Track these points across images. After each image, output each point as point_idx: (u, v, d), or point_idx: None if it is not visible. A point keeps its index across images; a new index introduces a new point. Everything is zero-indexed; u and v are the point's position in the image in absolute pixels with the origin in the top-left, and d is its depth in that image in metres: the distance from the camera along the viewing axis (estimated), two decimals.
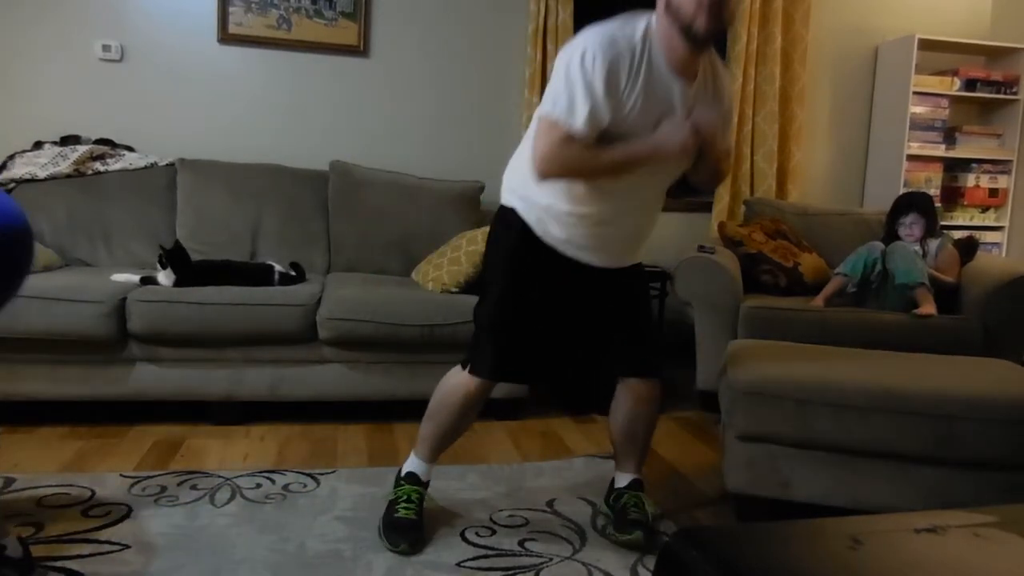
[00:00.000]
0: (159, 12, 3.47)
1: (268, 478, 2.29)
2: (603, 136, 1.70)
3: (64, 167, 3.23)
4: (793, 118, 3.96)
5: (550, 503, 2.22)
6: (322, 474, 2.33)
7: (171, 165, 3.37)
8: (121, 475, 2.26)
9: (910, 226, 3.19)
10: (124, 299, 2.63)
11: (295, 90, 3.62)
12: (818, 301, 3.02)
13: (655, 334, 2.07)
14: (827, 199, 4.18)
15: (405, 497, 1.97)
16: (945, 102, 4.04)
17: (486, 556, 1.89)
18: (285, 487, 2.23)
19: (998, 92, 4.08)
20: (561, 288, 1.91)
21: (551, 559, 1.89)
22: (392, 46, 3.69)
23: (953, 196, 4.14)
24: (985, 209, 4.17)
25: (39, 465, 2.33)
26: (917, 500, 1.95)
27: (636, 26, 1.70)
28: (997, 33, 4.23)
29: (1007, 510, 1.07)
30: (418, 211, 3.42)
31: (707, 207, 3.95)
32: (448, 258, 3.02)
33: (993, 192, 4.13)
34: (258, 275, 2.88)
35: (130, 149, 3.43)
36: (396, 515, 1.94)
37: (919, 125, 4.00)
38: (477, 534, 2.00)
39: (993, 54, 4.21)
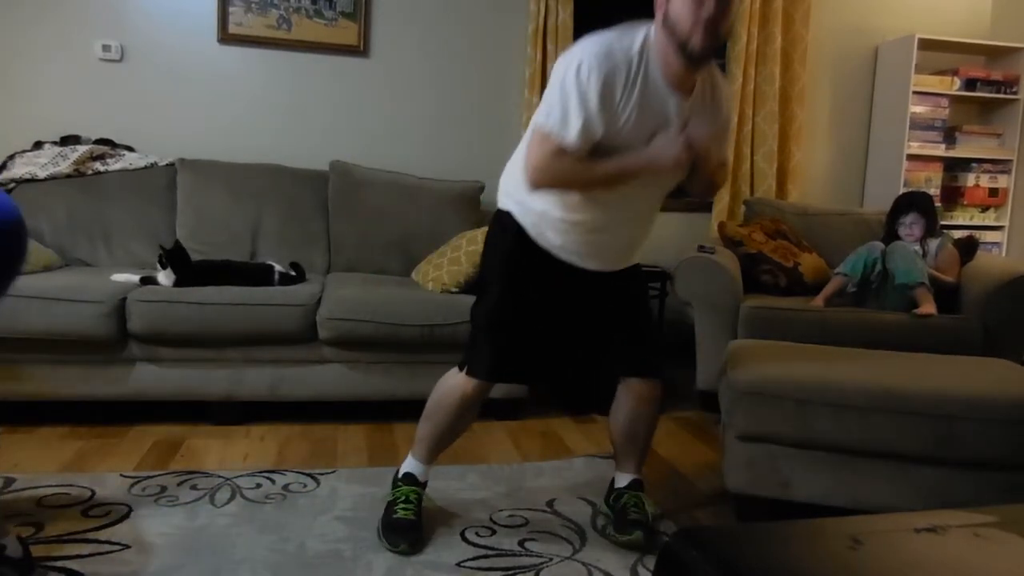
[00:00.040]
0: (159, 12, 3.47)
1: (268, 478, 2.29)
2: (597, 148, 1.69)
3: (64, 167, 3.23)
4: (793, 118, 3.96)
5: (550, 503, 2.22)
6: (322, 474, 2.33)
7: (171, 165, 3.37)
8: (121, 475, 2.26)
9: (910, 226, 3.19)
10: (124, 299, 2.63)
11: (295, 90, 3.62)
12: (818, 301, 3.02)
13: (655, 334, 2.07)
14: (827, 199, 4.18)
15: (403, 498, 1.97)
16: (945, 102, 4.04)
17: (486, 556, 1.89)
18: (285, 487, 2.23)
19: (998, 92, 4.08)
20: (558, 289, 1.91)
21: (551, 559, 1.89)
22: (392, 46, 3.69)
23: (953, 196, 4.14)
24: (985, 209, 4.17)
25: (39, 465, 2.33)
26: (917, 500, 1.95)
27: (635, 37, 1.69)
28: (997, 33, 4.23)
29: (1007, 510, 1.07)
30: (418, 211, 3.42)
31: (707, 207, 3.95)
32: (448, 258, 3.02)
33: (993, 192, 4.13)
34: (258, 275, 2.88)
35: (130, 149, 3.43)
36: (395, 516, 1.94)
37: (919, 125, 4.00)
38: (477, 534, 2.00)
39: (993, 54, 4.21)
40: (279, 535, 1.94)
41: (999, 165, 4.13)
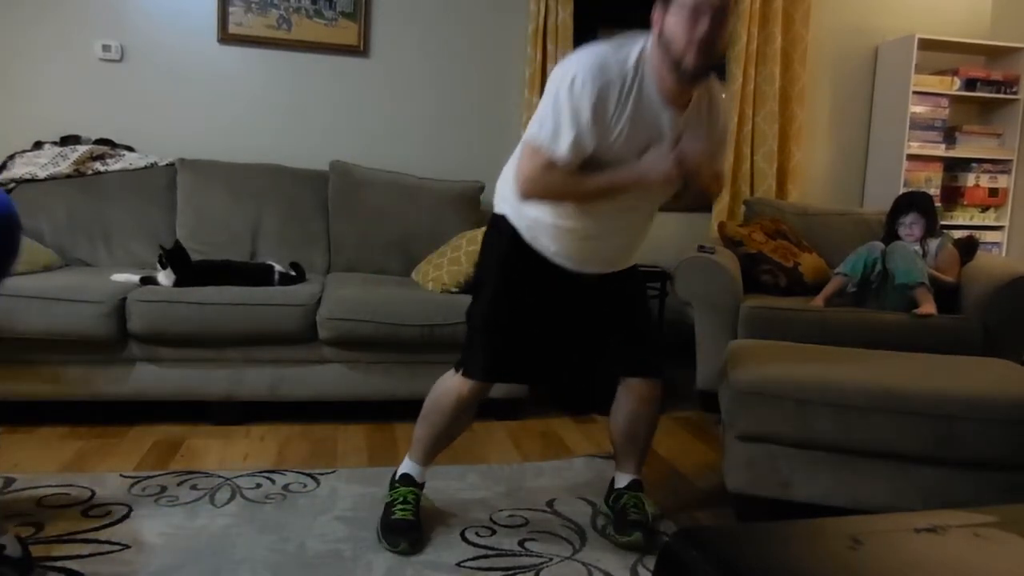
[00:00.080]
0: (159, 12, 3.47)
1: (268, 478, 2.29)
2: (588, 160, 1.70)
3: (64, 167, 3.23)
4: (793, 118, 3.96)
5: (550, 503, 2.22)
6: (322, 474, 2.33)
7: (171, 165, 3.37)
8: (121, 475, 2.26)
9: (910, 226, 3.19)
10: (124, 299, 2.63)
11: (295, 90, 3.62)
12: (818, 301, 3.02)
13: (653, 334, 2.07)
14: (827, 199, 4.18)
15: (401, 499, 1.97)
16: (945, 102, 4.04)
17: (486, 556, 1.89)
18: (285, 487, 2.23)
19: (998, 92, 4.08)
20: (553, 291, 1.91)
21: (551, 559, 1.89)
22: (392, 46, 3.69)
23: (953, 196, 4.14)
24: (985, 209, 4.17)
25: (39, 465, 2.33)
26: (917, 500, 1.95)
27: (631, 50, 1.68)
28: (997, 33, 4.23)
29: (1007, 510, 1.07)
30: (418, 211, 3.42)
31: (707, 207, 3.95)
32: (448, 258, 3.02)
33: (993, 192, 4.13)
34: (258, 275, 2.88)
35: (130, 149, 3.43)
36: (393, 516, 1.94)
37: (919, 125, 4.00)
38: (477, 534, 2.00)
39: (993, 54, 4.21)
40: (279, 535, 1.94)
41: (999, 165, 4.13)
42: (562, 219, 1.81)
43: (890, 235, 3.25)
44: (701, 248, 3.08)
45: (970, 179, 4.10)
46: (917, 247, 3.13)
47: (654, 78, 1.68)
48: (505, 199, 1.90)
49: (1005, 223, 4.17)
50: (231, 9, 3.50)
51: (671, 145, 1.69)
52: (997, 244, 4.17)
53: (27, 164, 3.24)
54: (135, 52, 3.48)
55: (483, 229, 2.04)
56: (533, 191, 1.75)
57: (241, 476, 2.29)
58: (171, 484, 2.21)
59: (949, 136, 4.08)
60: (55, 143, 3.35)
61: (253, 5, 3.51)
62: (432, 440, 1.99)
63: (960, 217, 4.14)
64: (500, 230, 1.91)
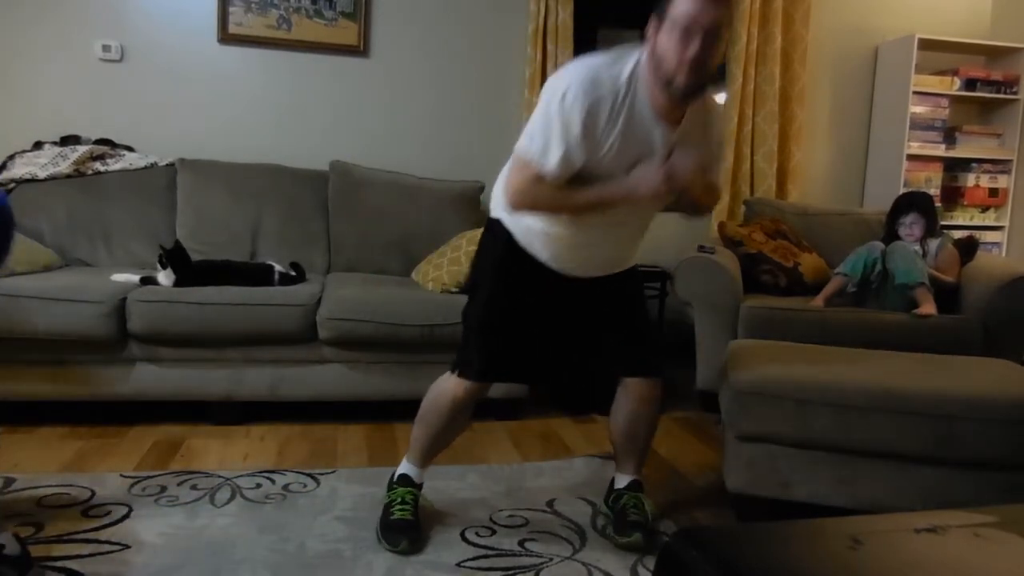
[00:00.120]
0: (159, 12, 3.47)
1: (268, 478, 2.29)
2: (578, 174, 1.70)
3: (64, 167, 3.23)
4: (793, 118, 3.96)
5: (550, 503, 2.22)
6: (322, 474, 2.33)
7: (171, 165, 3.37)
8: (121, 475, 2.26)
9: (910, 226, 3.19)
10: (124, 299, 2.63)
11: (295, 90, 3.62)
12: (818, 301, 3.02)
13: (652, 333, 2.06)
14: (827, 199, 4.18)
15: (399, 499, 1.97)
16: (945, 102, 4.04)
17: (486, 556, 1.89)
18: (285, 487, 2.23)
19: (998, 92, 4.08)
20: (549, 292, 1.91)
21: (551, 559, 1.89)
22: (392, 46, 3.69)
23: (953, 196, 4.14)
24: (985, 209, 4.17)
25: (39, 465, 2.33)
26: (917, 500, 1.95)
27: (624, 65, 1.67)
28: (997, 33, 4.23)
29: (1007, 510, 1.07)
30: (418, 211, 3.42)
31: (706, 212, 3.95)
32: (448, 258, 3.02)
33: (993, 192, 4.13)
34: (258, 275, 2.88)
35: (130, 149, 3.43)
36: (392, 517, 1.94)
37: (919, 125, 4.00)
38: (477, 534, 2.00)
39: (993, 54, 4.21)
40: (279, 535, 1.94)
41: (999, 165, 4.12)
42: (553, 227, 1.82)
43: (890, 235, 3.24)
44: (701, 248, 3.08)
45: (970, 179, 4.10)
46: (917, 247, 3.13)
47: (646, 94, 1.66)
48: (500, 204, 1.91)
49: (1005, 223, 4.17)
50: (231, 9, 3.50)
51: (662, 160, 1.68)
52: (997, 244, 4.17)
53: (27, 164, 3.24)
54: (135, 52, 3.48)
55: (483, 229, 2.05)
56: (522, 203, 1.77)
57: (241, 476, 2.29)
58: (171, 484, 2.21)
59: (949, 136, 4.08)
60: (55, 143, 3.36)
61: (253, 5, 3.51)
62: (429, 442, 1.99)
63: (960, 217, 4.14)
64: (495, 234, 1.92)
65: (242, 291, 2.72)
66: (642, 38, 1.68)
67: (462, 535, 1.99)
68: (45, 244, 3.10)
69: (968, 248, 3.18)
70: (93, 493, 2.12)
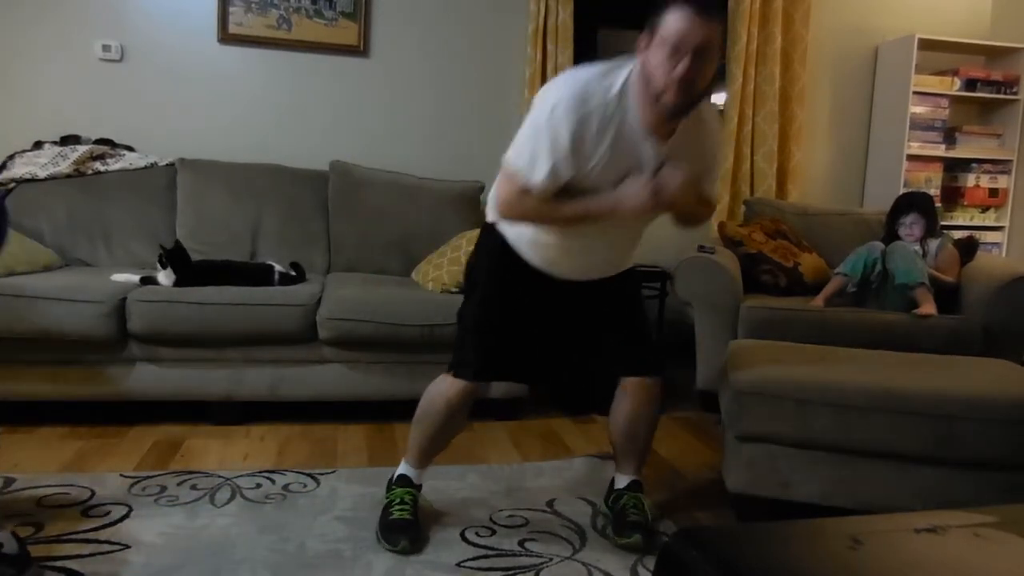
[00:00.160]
0: (159, 12, 3.47)
1: (268, 478, 2.29)
2: (566, 187, 1.70)
3: (64, 167, 3.23)
4: (793, 118, 3.96)
5: (550, 503, 2.22)
6: (322, 474, 2.33)
7: (171, 165, 3.37)
8: (121, 475, 2.26)
9: (910, 226, 3.19)
10: (124, 299, 2.63)
11: (295, 90, 3.62)
12: (818, 301, 3.02)
13: (651, 332, 2.06)
14: (827, 199, 4.18)
15: (398, 500, 1.97)
16: (945, 102, 4.04)
17: (486, 556, 1.89)
18: (285, 487, 2.23)
19: (998, 92, 4.08)
20: (545, 293, 1.92)
21: (551, 559, 1.89)
22: (392, 46, 3.69)
23: (953, 196, 4.14)
24: (985, 209, 4.17)
25: (39, 465, 2.33)
26: (917, 500, 1.95)
27: (616, 77, 1.66)
28: (997, 33, 4.23)
29: (1007, 510, 1.07)
30: (418, 211, 3.42)
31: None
32: (448, 258, 3.02)
33: (993, 192, 4.13)
34: (258, 275, 2.88)
35: (130, 149, 3.43)
36: (391, 517, 1.94)
37: (919, 125, 4.00)
38: (477, 534, 2.00)
39: (993, 54, 4.21)
40: (279, 535, 1.94)
41: (999, 165, 4.12)
42: (543, 235, 1.84)
43: (890, 235, 3.24)
44: (701, 248, 3.08)
45: (970, 179, 4.09)
46: (917, 247, 3.13)
47: (636, 108, 1.65)
48: (493, 209, 1.92)
49: (1005, 223, 4.17)
50: (231, 9, 3.50)
51: (651, 175, 1.67)
52: (997, 244, 4.17)
53: (27, 164, 3.24)
54: (135, 52, 3.48)
55: (479, 231, 2.05)
56: (509, 213, 1.78)
57: (241, 476, 2.29)
58: (171, 484, 2.21)
59: (949, 136, 4.08)
60: (55, 143, 3.35)
61: (253, 5, 3.51)
62: (426, 443, 1.99)
63: (960, 217, 4.14)
64: (490, 237, 1.94)
65: (242, 291, 2.72)
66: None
67: (462, 535, 1.99)
68: (45, 244, 3.10)
69: (968, 248, 3.18)
70: (93, 493, 2.12)
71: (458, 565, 1.84)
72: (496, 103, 3.79)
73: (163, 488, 2.18)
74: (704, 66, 1.57)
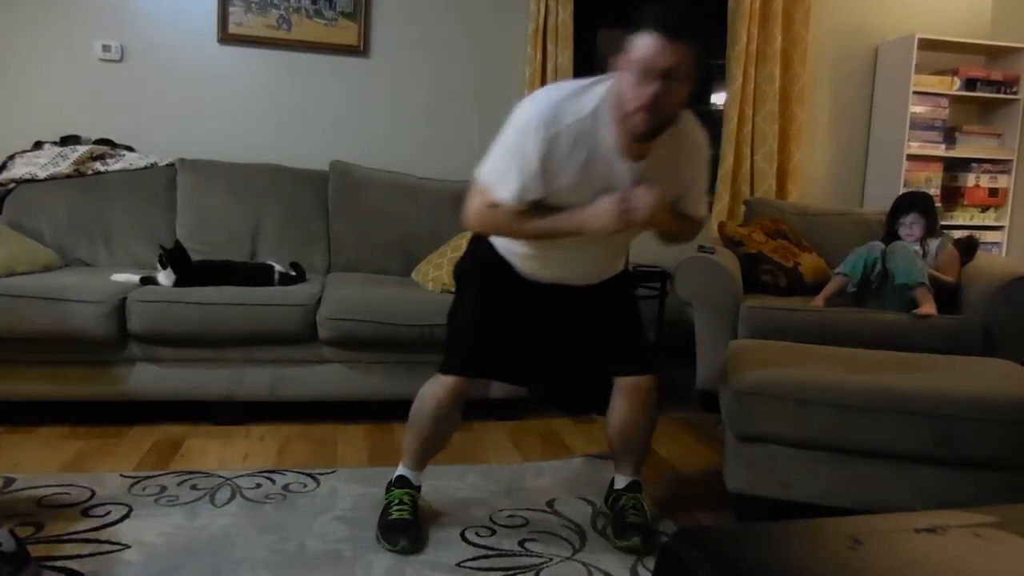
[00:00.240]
0: (159, 12, 3.47)
1: (268, 478, 2.29)
2: (538, 202, 1.70)
3: (64, 167, 3.23)
4: (793, 118, 3.96)
5: (550, 503, 2.22)
6: (322, 474, 2.33)
7: (171, 165, 3.37)
8: (121, 475, 2.26)
9: (910, 226, 3.19)
10: (124, 299, 2.63)
11: (295, 90, 3.62)
12: (818, 301, 3.02)
13: (645, 333, 2.05)
14: (827, 199, 4.17)
15: (397, 500, 1.98)
16: (945, 102, 4.04)
17: (486, 556, 1.89)
18: (285, 487, 2.23)
19: (998, 92, 4.08)
20: (535, 296, 1.93)
21: (551, 559, 1.89)
22: (392, 46, 3.69)
23: (953, 196, 4.13)
24: (985, 209, 4.17)
25: (39, 465, 2.33)
26: (917, 500, 1.95)
27: (590, 96, 1.65)
28: (997, 33, 4.23)
29: (1007, 510, 1.07)
30: (418, 211, 3.42)
31: (707, 207, 3.95)
32: (448, 258, 3.02)
33: (993, 192, 4.13)
34: (258, 275, 2.88)
35: (130, 149, 3.43)
36: (390, 517, 1.94)
37: (919, 125, 4.00)
38: (477, 534, 2.00)
39: (993, 54, 4.21)
40: (279, 535, 1.94)
41: (999, 165, 4.12)
42: (520, 247, 1.86)
43: (890, 235, 3.24)
44: (701, 248, 3.08)
45: (970, 179, 4.09)
46: (917, 247, 3.13)
47: (609, 128, 1.64)
48: None
49: (1005, 223, 4.17)
50: (231, 9, 3.50)
51: (619, 195, 1.64)
52: (997, 244, 4.17)
53: (27, 164, 3.24)
54: (135, 52, 3.48)
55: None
56: (479, 226, 1.81)
57: (241, 476, 2.29)
58: (171, 484, 2.21)
59: (949, 136, 4.08)
60: (55, 143, 3.35)
61: (253, 5, 3.51)
62: (420, 444, 1.99)
63: (960, 217, 4.14)
64: (479, 242, 1.97)
65: (242, 291, 2.72)
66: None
67: (462, 535, 1.99)
68: (45, 244, 3.10)
69: (968, 248, 3.18)
70: (93, 493, 2.12)
71: (458, 565, 1.84)
72: (496, 103, 3.77)
73: (163, 488, 2.18)
74: (674, 89, 1.55)
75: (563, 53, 3.64)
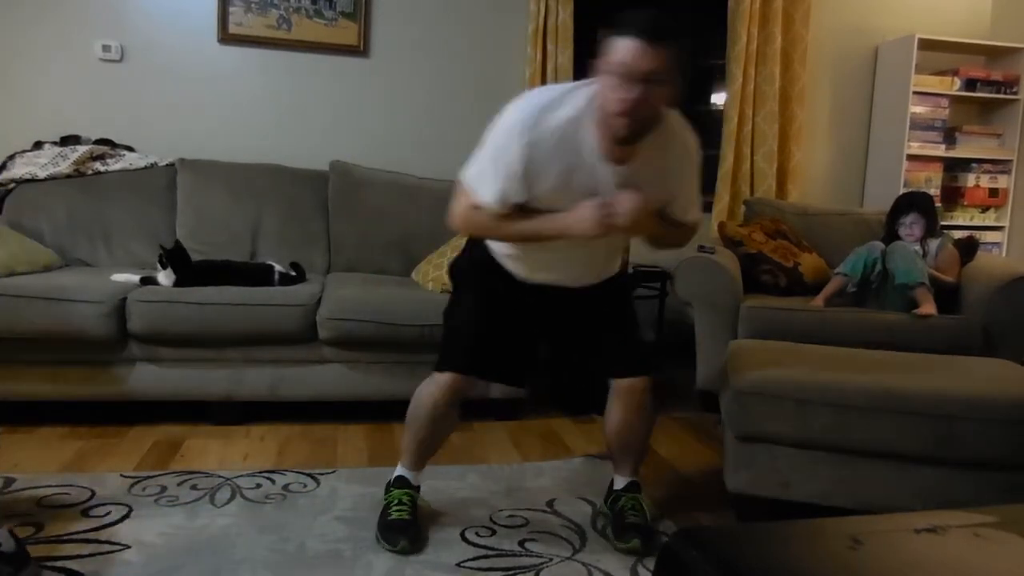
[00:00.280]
0: (159, 12, 3.47)
1: (268, 478, 2.29)
2: (522, 205, 1.70)
3: (64, 167, 3.23)
4: (793, 118, 3.96)
5: (550, 503, 2.22)
6: (322, 474, 2.33)
7: (171, 165, 3.37)
8: (121, 475, 2.26)
9: (910, 226, 3.19)
10: (124, 299, 2.63)
11: (295, 90, 3.62)
12: (818, 301, 3.02)
13: (640, 334, 2.05)
14: (827, 199, 4.17)
15: (396, 501, 1.98)
16: (945, 102, 4.04)
17: (486, 556, 1.89)
18: (285, 487, 2.23)
19: (998, 92, 4.08)
20: (530, 297, 1.93)
21: (551, 559, 1.89)
22: (392, 46, 3.69)
23: (953, 196, 4.13)
24: (985, 209, 4.17)
25: (39, 465, 2.33)
26: (917, 500, 1.95)
27: (574, 99, 1.64)
28: (997, 33, 4.23)
29: (1007, 510, 1.07)
30: (418, 211, 3.42)
31: (707, 207, 3.95)
32: (448, 258, 3.02)
33: (993, 192, 4.13)
34: (258, 275, 2.88)
35: (130, 149, 3.43)
36: (390, 517, 1.94)
37: (919, 125, 4.00)
38: (477, 534, 2.00)
39: (993, 54, 4.21)
40: (279, 535, 1.94)
41: (999, 165, 4.12)
42: (508, 249, 1.87)
43: (890, 235, 3.24)
44: (701, 248, 3.08)
45: (970, 179, 4.09)
46: (917, 247, 3.13)
47: (592, 132, 1.63)
48: None
49: (1005, 223, 4.17)
50: (231, 9, 3.50)
51: (602, 199, 1.64)
52: (997, 244, 4.17)
53: (27, 164, 3.24)
54: (135, 52, 3.48)
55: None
56: (463, 227, 1.82)
57: (241, 476, 2.29)
58: (171, 484, 2.21)
59: (949, 136, 4.08)
60: (55, 143, 3.35)
61: (253, 5, 3.51)
62: (418, 445, 1.99)
63: (960, 217, 4.14)
64: (475, 243, 1.97)
65: (242, 291, 2.72)
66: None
67: (462, 535, 1.99)
68: (45, 244, 3.10)
69: (968, 248, 3.18)
70: (93, 493, 2.12)
71: (458, 565, 1.84)
72: (496, 103, 3.72)
73: (163, 488, 2.18)
74: (655, 92, 1.54)
75: (563, 53, 3.64)
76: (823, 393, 1.97)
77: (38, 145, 3.35)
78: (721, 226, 3.48)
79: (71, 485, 2.17)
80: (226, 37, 3.52)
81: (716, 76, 4.18)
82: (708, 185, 3.97)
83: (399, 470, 2.04)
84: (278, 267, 2.94)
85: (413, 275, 3.21)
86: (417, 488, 2.03)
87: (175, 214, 3.29)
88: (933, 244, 3.17)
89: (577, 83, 1.70)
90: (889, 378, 2.01)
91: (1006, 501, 1.87)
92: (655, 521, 2.06)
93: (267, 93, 3.60)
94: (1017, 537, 0.99)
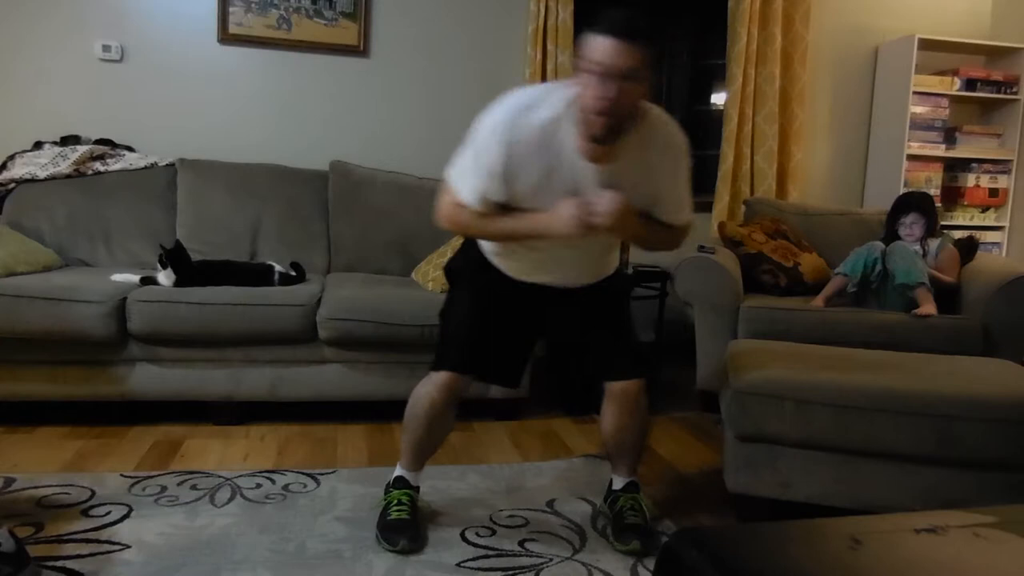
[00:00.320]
0: (159, 12, 3.47)
1: (268, 478, 2.29)
2: (506, 204, 1.71)
3: (64, 167, 3.23)
4: (793, 118, 3.96)
5: (550, 503, 2.22)
6: (322, 474, 2.33)
7: (171, 165, 3.37)
8: (121, 475, 2.26)
9: (910, 226, 3.19)
10: (124, 299, 2.63)
11: (295, 90, 3.62)
12: (818, 301, 3.02)
13: (633, 336, 2.03)
14: (827, 199, 4.18)
15: (395, 501, 1.98)
16: (945, 102, 4.04)
17: (486, 556, 1.89)
18: (285, 487, 2.23)
19: (998, 92, 4.08)
20: (525, 297, 1.93)
21: (551, 559, 1.89)
22: (392, 46, 3.69)
23: (953, 196, 4.14)
24: (985, 209, 4.17)
25: (39, 465, 2.33)
26: (917, 500, 1.95)
27: (554, 99, 1.64)
28: (997, 33, 4.23)
29: (1007, 510, 1.07)
30: (418, 211, 3.41)
31: (707, 207, 3.95)
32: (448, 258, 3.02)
33: (993, 192, 4.13)
34: (258, 275, 2.89)
35: (130, 149, 3.43)
36: (389, 518, 1.94)
37: (919, 125, 4.00)
38: (477, 534, 2.00)
39: (993, 54, 4.21)
40: (279, 535, 1.94)
41: (999, 165, 4.13)
42: (497, 248, 1.88)
43: (890, 235, 3.24)
44: (701, 248, 3.08)
45: (970, 179, 4.10)
46: (917, 247, 3.13)
47: (572, 132, 1.64)
48: None
49: (1005, 223, 4.17)
50: (231, 9, 3.50)
51: (582, 199, 1.64)
52: (997, 244, 4.17)
53: (27, 164, 3.24)
54: (135, 52, 3.48)
55: None
56: (448, 224, 1.83)
57: (241, 476, 2.29)
58: (171, 484, 2.21)
59: (949, 136, 4.08)
60: (55, 143, 3.35)
61: (253, 5, 3.51)
62: (416, 445, 1.99)
63: (960, 217, 4.14)
64: (471, 243, 1.98)
65: (242, 291, 2.72)
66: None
67: (462, 535, 1.99)
68: (45, 244, 3.10)
69: (968, 248, 3.18)
70: (93, 493, 2.12)
71: (458, 565, 1.84)
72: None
73: (163, 488, 2.18)
74: (630, 89, 1.55)
75: (563, 53, 3.64)
76: (823, 393, 1.97)
77: (38, 145, 3.35)
78: (721, 226, 3.48)
79: (71, 485, 2.17)
80: (226, 37, 3.52)
81: (716, 76, 4.18)
82: (708, 185, 3.97)
83: (398, 471, 2.04)
84: (278, 267, 2.94)
85: (413, 275, 3.21)
86: (417, 488, 2.04)
87: (175, 214, 3.29)
88: (933, 244, 3.17)
89: (557, 83, 1.71)
90: (889, 378, 2.01)
91: (1006, 501, 1.88)
92: (655, 521, 2.06)
93: (267, 93, 3.60)
94: (1017, 537, 0.99)
